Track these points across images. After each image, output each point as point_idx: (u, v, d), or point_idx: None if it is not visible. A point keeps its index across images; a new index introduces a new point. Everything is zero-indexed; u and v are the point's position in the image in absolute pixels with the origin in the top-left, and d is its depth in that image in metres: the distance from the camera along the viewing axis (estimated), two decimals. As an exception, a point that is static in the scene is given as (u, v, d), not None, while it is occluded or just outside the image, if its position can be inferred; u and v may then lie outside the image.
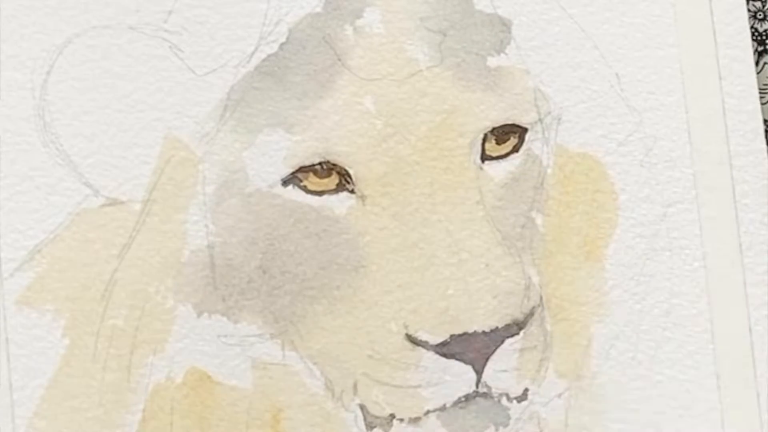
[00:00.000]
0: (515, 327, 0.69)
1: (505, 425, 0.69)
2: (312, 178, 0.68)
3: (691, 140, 0.72)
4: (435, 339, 0.68)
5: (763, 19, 0.75)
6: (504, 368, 0.68)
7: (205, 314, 0.68)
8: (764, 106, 0.74)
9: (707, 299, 0.71)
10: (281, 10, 0.69)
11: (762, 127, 0.73)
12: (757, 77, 0.73)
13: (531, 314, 0.69)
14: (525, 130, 0.70)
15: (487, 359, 0.68)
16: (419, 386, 0.68)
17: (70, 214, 0.68)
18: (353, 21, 0.69)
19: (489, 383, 0.68)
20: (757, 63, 0.74)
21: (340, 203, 0.68)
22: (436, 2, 0.70)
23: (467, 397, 0.68)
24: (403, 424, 0.68)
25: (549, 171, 0.70)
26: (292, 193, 0.68)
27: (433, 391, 0.68)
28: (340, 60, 0.69)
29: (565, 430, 0.70)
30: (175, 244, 0.68)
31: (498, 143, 0.70)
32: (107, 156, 0.68)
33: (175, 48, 0.69)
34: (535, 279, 0.70)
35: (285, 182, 0.68)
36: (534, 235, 0.70)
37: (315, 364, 0.68)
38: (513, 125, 0.70)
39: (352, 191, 0.68)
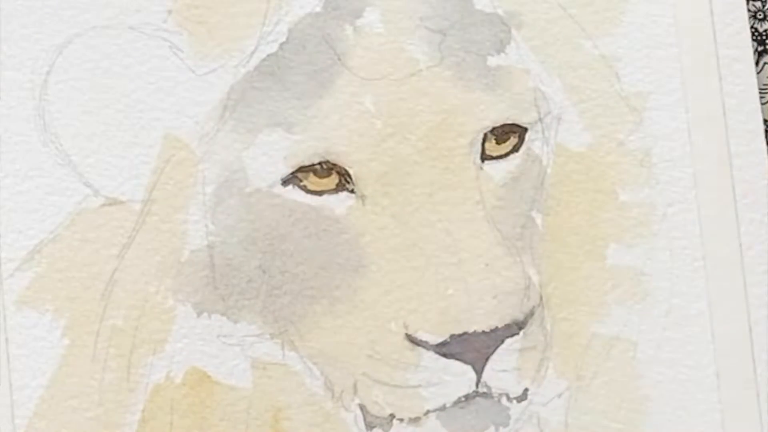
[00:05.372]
0: (515, 327, 0.68)
1: (505, 425, 0.69)
2: (312, 178, 0.68)
3: (691, 140, 0.72)
4: (435, 339, 0.68)
5: (763, 19, 0.75)
6: (504, 368, 0.68)
7: (205, 314, 0.68)
8: (764, 106, 0.74)
9: (707, 299, 0.71)
10: (281, 10, 0.69)
11: (762, 127, 0.73)
12: (757, 77, 0.73)
13: (531, 314, 0.69)
14: (525, 129, 0.70)
15: (487, 359, 0.68)
16: (419, 386, 0.68)
17: (70, 214, 0.68)
18: (353, 21, 0.69)
19: (489, 383, 0.68)
20: (757, 63, 0.74)
21: (339, 203, 0.68)
22: (436, 2, 0.70)
23: (467, 397, 0.68)
24: (403, 424, 0.68)
25: (549, 171, 0.70)
26: (292, 192, 0.68)
27: (433, 391, 0.68)
28: (340, 60, 0.69)
29: (565, 430, 0.70)
30: (174, 244, 0.68)
31: (498, 143, 0.70)
32: (107, 156, 0.68)
33: (175, 48, 0.69)
34: (535, 279, 0.69)
35: (285, 182, 0.68)
36: (534, 235, 0.70)
37: (315, 364, 0.68)
38: (513, 125, 0.70)
39: (351, 191, 0.68)
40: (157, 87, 0.69)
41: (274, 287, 0.68)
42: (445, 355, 0.68)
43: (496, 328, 0.68)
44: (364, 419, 0.68)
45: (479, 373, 0.68)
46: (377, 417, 0.68)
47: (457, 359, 0.68)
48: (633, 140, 0.71)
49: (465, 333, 0.68)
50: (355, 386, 0.68)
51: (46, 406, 0.67)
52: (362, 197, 0.68)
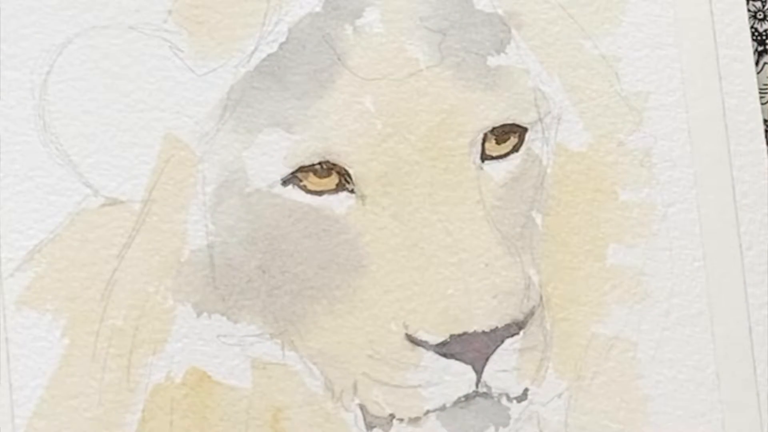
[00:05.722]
0: (515, 327, 0.68)
1: (505, 425, 0.69)
2: (312, 177, 0.68)
3: (691, 140, 0.72)
4: (435, 339, 0.68)
5: (763, 19, 0.75)
6: (504, 368, 0.68)
7: (205, 314, 0.68)
8: (764, 106, 0.74)
9: (707, 299, 0.71)
10: (281, 10, 0.69)
11: (762, 127, 0.73)
12: (757, 77, 0.73)
13: (531, 314, 0.69)
14: (525, 129, 0.70)
15: (487, 359, 0.68)
16: (419, 386, 0.68)
17: (70, 214, 0.68)
18: (353, 21, 0.69)
19: (489, 383, 0.68)
20: (757, 63, 0.74)
21: (339, 203, 0.68)
22: (436, 2, 0.70)
23: (467, 397, 0.68)
24: (403, 424, 0.68)
25: (549, 171, 0.70)
26: (292, 192, 0.68)
27: (433, 391, 0.68)
28: (340, 60, 0.69)
29: (565, 430, 0.70)
30: (174, 244, 0.68)
31: (498, 143, 0.70)
32: (107, 156, 0.68)
33: (175, 48, 0.69)
34: (535, 279, 0.70)
35: (285, 182, 0.68)
36: (534, 235, 0.70)
37: (315, 364, 0.68)
38: (513, 125, 0.70)
39: (351, 191, 0.68)
40: (157, 87, 0.69)
41: (274, 287, 0.68)
42: (445, 355, 0.68)
43: (496, 328, 0.68)
44: (364, 419, 0.68)
45: (479, 373, 0.68)
46: (377, 417, 0.68)
47: (457, 359, 0.68)
48: (633, 140, 0.71)
49: (465, 333, 0.68)
50: (355, 386, 0.68)
51: (46, 406, 0.67)
52: (362, 197, 0.68)
